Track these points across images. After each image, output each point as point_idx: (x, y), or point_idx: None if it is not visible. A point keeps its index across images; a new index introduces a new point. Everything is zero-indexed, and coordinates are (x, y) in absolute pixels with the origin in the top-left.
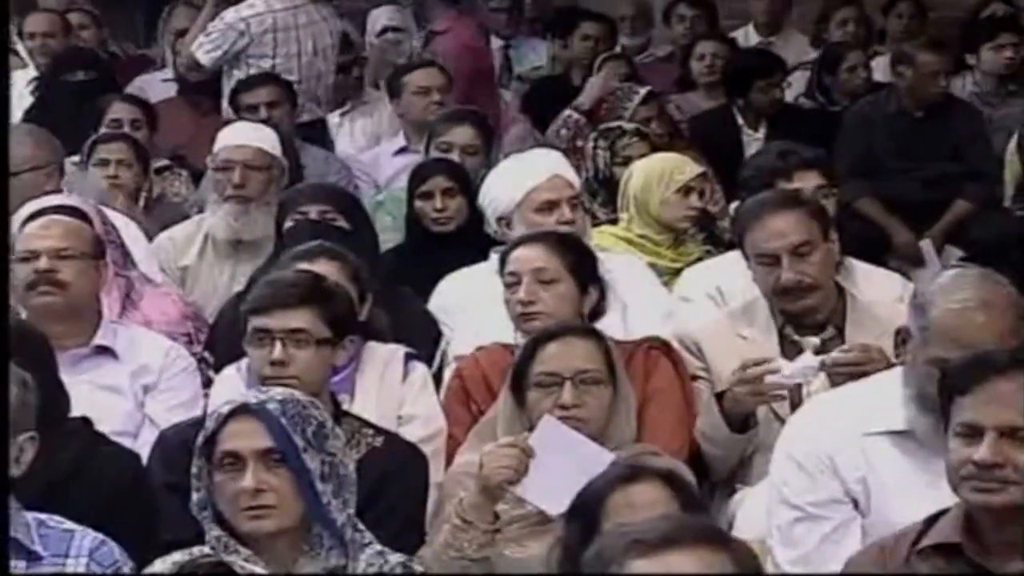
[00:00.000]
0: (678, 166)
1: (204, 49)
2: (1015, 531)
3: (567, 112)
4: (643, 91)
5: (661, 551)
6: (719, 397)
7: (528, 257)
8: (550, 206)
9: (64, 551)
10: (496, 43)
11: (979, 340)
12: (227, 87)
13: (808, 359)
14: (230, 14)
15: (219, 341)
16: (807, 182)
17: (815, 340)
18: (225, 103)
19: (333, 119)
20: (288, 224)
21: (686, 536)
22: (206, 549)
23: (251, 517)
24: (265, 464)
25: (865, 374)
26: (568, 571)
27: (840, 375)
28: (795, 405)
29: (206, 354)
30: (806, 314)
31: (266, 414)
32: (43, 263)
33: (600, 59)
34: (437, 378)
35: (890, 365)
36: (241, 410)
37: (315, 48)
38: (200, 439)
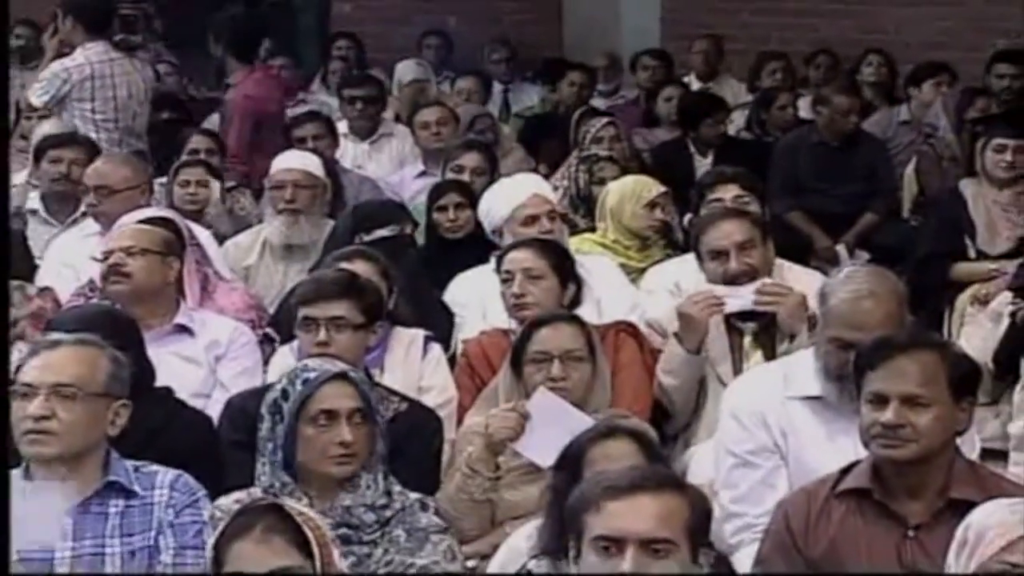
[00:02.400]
0: (646, 186)
1: (37, 94)
2: (913, 478)
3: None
4: (605, 120)
5: (631, 494)
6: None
7: (520, 258)
8: (532, 219)
9: (151, 485)
10: (497, 87)
11: (867, 322)
12: (60, 125)
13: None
14: (55, 64)
15: (282, 326)
16: (727, 193)
17: (752, 325)
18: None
19: (363, 147)
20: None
21: (651, 482)
22: (259, 492)
23: (338, 463)
24: (352, 421)
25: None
26: (556, 511)
27: (765, 302)
28: (738, 373)
29: (269, 330)
30: None
31: (354, 381)
32: (112, 258)
33: (576, 114)
34: (452, 357)
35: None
36: (336, 376)
37: (129, 93)
38: (283, 400)
